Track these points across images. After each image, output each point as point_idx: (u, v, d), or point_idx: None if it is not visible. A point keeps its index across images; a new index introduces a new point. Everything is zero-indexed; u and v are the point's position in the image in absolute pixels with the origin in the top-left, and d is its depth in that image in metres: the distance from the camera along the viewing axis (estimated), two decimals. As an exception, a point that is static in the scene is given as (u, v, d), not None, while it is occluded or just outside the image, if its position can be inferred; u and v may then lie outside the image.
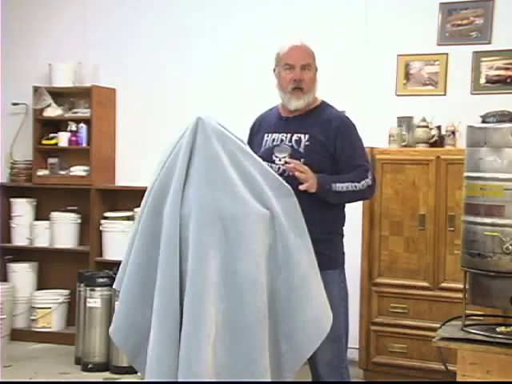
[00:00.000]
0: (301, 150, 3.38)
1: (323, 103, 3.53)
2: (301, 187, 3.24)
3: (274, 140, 3.46)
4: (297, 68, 3.42)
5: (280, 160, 3.39)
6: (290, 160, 3.31)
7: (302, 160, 3.35)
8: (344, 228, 3.55)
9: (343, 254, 3.52)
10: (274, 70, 3.52)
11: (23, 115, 6.56)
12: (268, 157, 3.41)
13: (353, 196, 3.39)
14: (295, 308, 3.10)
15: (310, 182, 3.25)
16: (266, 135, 3.50)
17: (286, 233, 3.12)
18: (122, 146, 6.38)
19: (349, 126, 3.45)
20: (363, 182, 3.37)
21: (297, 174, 3.25)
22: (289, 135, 3.43)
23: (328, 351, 3.30)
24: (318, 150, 3.37)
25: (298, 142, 3.40)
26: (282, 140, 3.44)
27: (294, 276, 3.10)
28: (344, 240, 3.55)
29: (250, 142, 3.54)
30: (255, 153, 3.40)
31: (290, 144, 3.41)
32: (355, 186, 3.34)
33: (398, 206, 5.09)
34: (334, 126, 3.40)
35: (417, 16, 5.52)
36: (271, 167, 3.36)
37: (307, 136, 3.39)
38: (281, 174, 3.32)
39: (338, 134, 3.39)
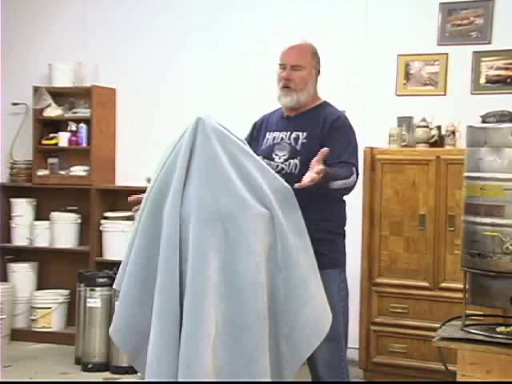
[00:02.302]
0: (298, 147, 3.41)
1: (324, 103, 3.56)
2: (297, 185, 3.16)
3: (274, 138, 3.50)
4: (287, 67, 3.48)
5: (280, 158, 3.42)
6: (305, 180, 3.13)
7: (298, 158, 3.38)
8: (345, 228, 3.54)
9: (344, 254, 3.51)
10: None
11: (23, 115, 6.56)
12: (268, 154, 3.46)
13: (342, 192, 3.35)
14: (294, 308, 3.10)
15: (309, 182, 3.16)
16: (267, 133, 3.56)
17: (286, 233, 3.12)
18: (122, 146, 6.38)
19: (344, 124, 3.46)
20: (352, 178, 3.31)
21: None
22: (288, 133, 3.47)
23: (326, 351, 3.30)
24: (314, 147, 3.37)
25: (296, 139, 3.44)
26: (282, 138, 3.48)
27: (294, 276, 3.10)
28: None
29: (251, 138, 3.59)
30: (256, 150, 3.44)
31: (288, 142, 3.45)
32: (346, 183, 3.29)
33: (398, 205, 5.09)
34: (329, 120, 3.43)
35: (417, 16, 5.52)
36: (270, 164, 3.39)
37: (305, 134, 3.43)
38: (279, 172, 3.34)
39: (332, 129, 3.40)
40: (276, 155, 3.45)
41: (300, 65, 3.48)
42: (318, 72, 3.56)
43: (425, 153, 5.11)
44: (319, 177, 3.07)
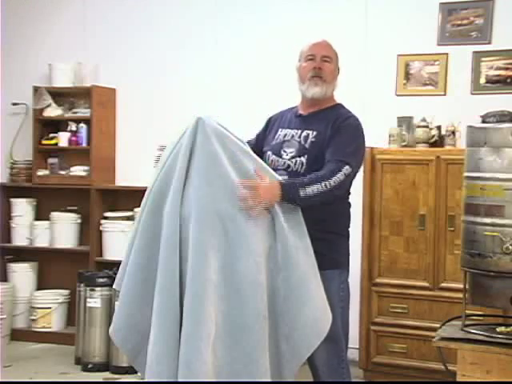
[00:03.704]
0: (307, 145, 3.40)
1: (339, 105, 3.55)
2: (252, 213, 3.08)
3: (285, 135, 3.50)
4: (317, 58, 3.47)
5: (287, 155, 3.42)
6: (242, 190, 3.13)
7: (305, 156, 3.36)
8: (349, 229, 3.52)
9: (346, 255, 3.49)
10: (296, 69, 3.55)
11: (23, 115, 6.56)
12: (277, 151, 3.46)
13: (325, 196, 3.21)
14: (294, 308, 3.10)
15: (258, 200, 3.09)
16: (279, 130, 3.55)
17: (286, 233, 3.12)
18: (122, 146, 6.38)
19: (351, 124, 3.43)
20: (335, 178, 3.21)
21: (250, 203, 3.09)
22: (299, 131, 3.46)
23: (325, 351, 3.29)
24: (322, 146, 3.37)
25: (306, 138, 3.43)
26: (292, 136, 3.47)
27: (294, 276, 3.10)
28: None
29: (262, 134, 3.59)
30: (266, 146, 3.48)
31: (298, 140, 3.44)
32: (326, 186, 3.19)
33: (398, 205, 5.09)
34: (339, 120, 3.41)
35: (417, 16, 5.52)
36: (278, 161, 3.41)
37: (315, 132, 3.42)
38: (285, 169, 3.36)
39: (338, 127, 3.38)
40: (284, 152, 3.44)
41: (330, 56, 3.49)
42: (338, 73, 3.56)
43: (425, 153, 5.11)
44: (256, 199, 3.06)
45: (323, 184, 3.19)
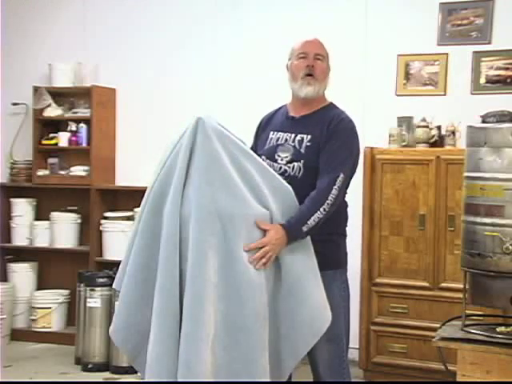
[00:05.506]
0: (302, 150, 3.37)
1: (331, 104, 3.51)
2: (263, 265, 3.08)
3: (278, 139, 3.45)
4: (310, 56, 3.42)
5: (282, 160, 3.39)
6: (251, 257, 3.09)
7: (301, 161, 3.34)
8: (346, 229, 3.53)
9: (345, 254, 3.49)
10: (287, 67, 3.52)
11: (23, 115, 6.56)
12: (271, 155, 3.41)
13: (325, 217, 3.21)
14: (292, 308, 3.10)
15: (270, 254, 3.08)
16: (271, 133, 3.49)
17: (285, 233, 3.12)
18: (122, 146, 6.38)
19: (345, 128, 3.39)
20: (330, 197, 3.20)
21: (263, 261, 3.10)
22: (293, 135, 3.41)
23: (327, 351, 3.29)
24: (317, 150, 3.35)
25: (301, 142, 3.38)
26: (286, 139, 3.42)
27: (292, 276, 3.11)
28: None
29: (256, 140, 3.55)
30: (260, 150, 3.44)
31: (292, 144, 3.40)
32: (325, 209, 3.19)
33: (398, 205, 5.09)
34: (332, 124, 3.37)
35: (417, 16, 5.52)
36: (273, 166, 3.36)
37: (309, 137, 3.37)
38: (281, 174, 3.31)
39: (332, 132, 3.33)
40: (278, 156, 3.40)
41: (323, 54, 3.44)
42: (329, 71, 3.53)
43: (425, 153, 5.11)
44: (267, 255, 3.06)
45: (321, 209, 3.18)
